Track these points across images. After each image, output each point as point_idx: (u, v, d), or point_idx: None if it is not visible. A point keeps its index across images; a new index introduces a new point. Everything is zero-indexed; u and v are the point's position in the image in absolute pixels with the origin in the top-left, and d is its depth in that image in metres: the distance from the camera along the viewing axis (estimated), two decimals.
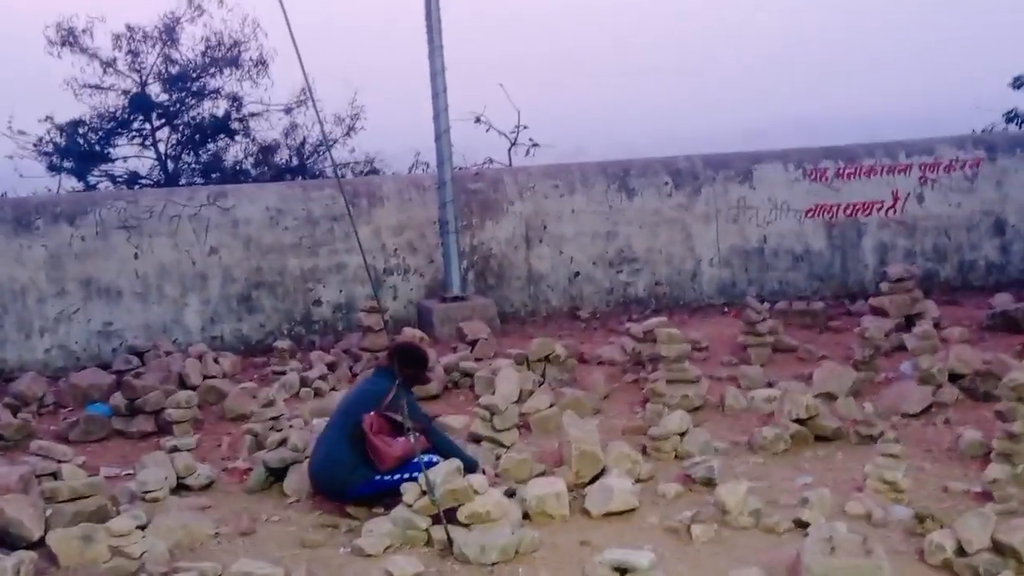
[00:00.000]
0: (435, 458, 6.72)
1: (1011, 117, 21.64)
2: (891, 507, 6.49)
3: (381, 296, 13.22)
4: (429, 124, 13.23)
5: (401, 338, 6.92)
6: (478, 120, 19.58)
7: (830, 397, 8.75)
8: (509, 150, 19.98)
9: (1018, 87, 21.56)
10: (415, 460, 6.63)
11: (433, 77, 13.02)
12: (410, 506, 6.30)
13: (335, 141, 20.03)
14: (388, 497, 6.74)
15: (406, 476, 6.67)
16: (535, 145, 19.84)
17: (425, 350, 8.03)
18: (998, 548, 5.52)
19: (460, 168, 15.45)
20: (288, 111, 20.63)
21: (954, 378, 9.13)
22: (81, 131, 19.56)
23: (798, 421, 8.05)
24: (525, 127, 19.80)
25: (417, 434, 6.78)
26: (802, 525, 6.18)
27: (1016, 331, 11.44)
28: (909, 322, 11.16)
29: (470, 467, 6.78)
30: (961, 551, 5.58)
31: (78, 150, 19.42)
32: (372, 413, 6.89)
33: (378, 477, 6.78)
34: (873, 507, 6.44)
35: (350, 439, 6.85)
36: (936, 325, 10.67)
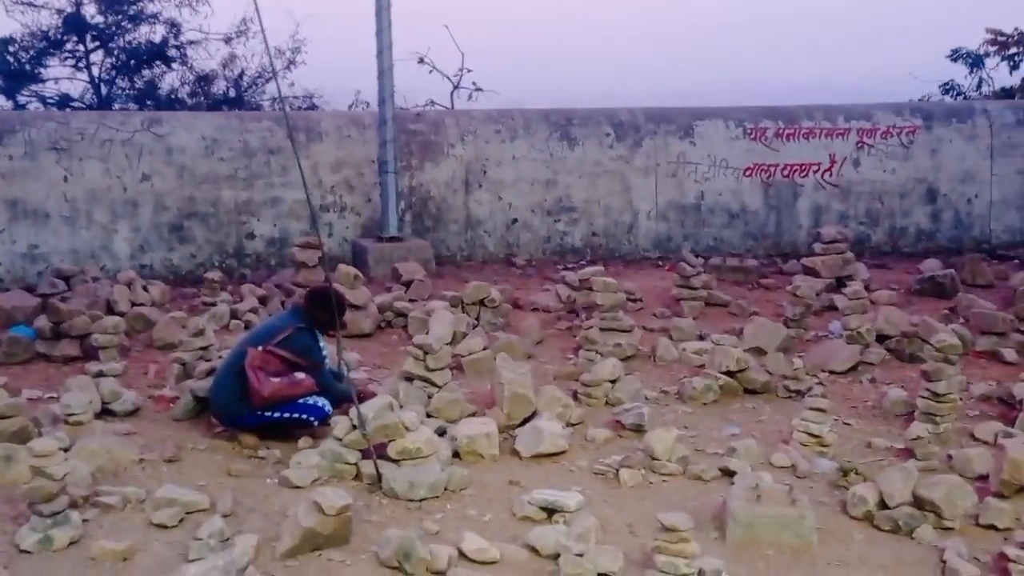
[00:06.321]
0: (320, 400, 6.85)
1: (948, 88, 21.97)
2: (816, 460, 6.61)
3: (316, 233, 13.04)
4: (371, 64, 13.02)
5: (328, 282, 6.88)
6: (421, 61, 19.39)
7: (760, 352, 8.86)
8: (451, 93, 19.82)
9: (955, 59, 21.89)
10: (301, 401, 6.78)
11: (378, 13, 12.79)
12: (340, 440, 6.27)
13: (276, 72, 19.64)
14: (272, 431, 6.86)
15: (286, 415, 6.80)
16: (478, 90, 19.72)
17: (344, 297, 8.03)
18: (918, 503, 5.67)
19: (401, 109, 15.25)
20: (227, 41, 20.24)
21: (881, 339, 9.37)
22: (11, 49, 19.00)
23: (728, 373, 8.17)
24: (469, 71, 19.67)
25: (303, 375, 6.84)
26: (728, 474, 6.29)
27: (943, 296, 11.68)
28: (840, 283, 11.34)
29: (341, 399, 6.92)
30: (883, 504, 5.72)
31: (8, 68, 18.87)
32: (260, 348, 6.86)
33: (259, 412, 6.77)
34: (798, 459, 6.55)
35: (236, 370, 6.83)
36: (866, 287, 10.82)
